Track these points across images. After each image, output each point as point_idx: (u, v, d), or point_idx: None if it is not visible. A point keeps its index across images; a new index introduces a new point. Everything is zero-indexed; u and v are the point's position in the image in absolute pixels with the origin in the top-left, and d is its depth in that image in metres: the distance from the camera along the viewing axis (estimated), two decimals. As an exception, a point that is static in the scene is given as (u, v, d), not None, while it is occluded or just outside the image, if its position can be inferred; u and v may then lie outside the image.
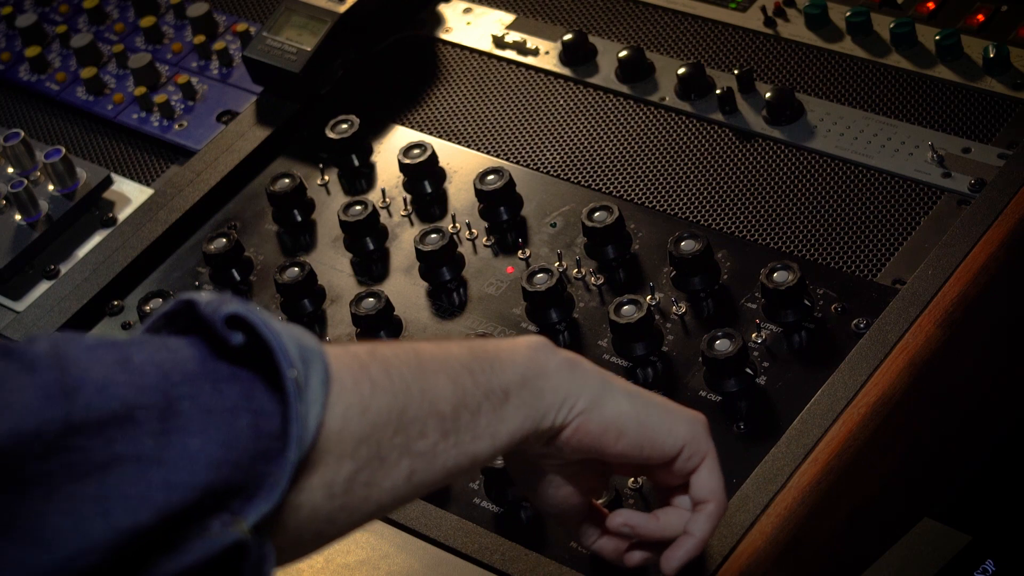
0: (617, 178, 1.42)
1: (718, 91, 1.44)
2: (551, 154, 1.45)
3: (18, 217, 1.52)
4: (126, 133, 1.62)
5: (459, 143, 1.49)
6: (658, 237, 1.34)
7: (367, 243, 1.41)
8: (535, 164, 1.45)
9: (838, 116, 1.41)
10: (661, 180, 1.40)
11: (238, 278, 1.42)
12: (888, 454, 1.20)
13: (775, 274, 1.25)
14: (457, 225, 1.41)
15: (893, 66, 1.44)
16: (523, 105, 1.51)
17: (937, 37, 1.42)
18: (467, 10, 1.62)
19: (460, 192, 1.44)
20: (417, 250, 1.36)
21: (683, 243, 1.30)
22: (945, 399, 1.25)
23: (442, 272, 1.36)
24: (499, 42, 1.58)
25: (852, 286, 1.27)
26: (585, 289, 1.33)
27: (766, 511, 1.12)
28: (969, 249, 1.25)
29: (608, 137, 1.45)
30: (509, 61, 1.56)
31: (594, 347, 1.28)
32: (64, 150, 1.53)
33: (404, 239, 1.42)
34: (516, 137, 1.48)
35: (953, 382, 1.25)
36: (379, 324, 1.32)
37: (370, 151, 1.50)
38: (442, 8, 1.63)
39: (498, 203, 1.40)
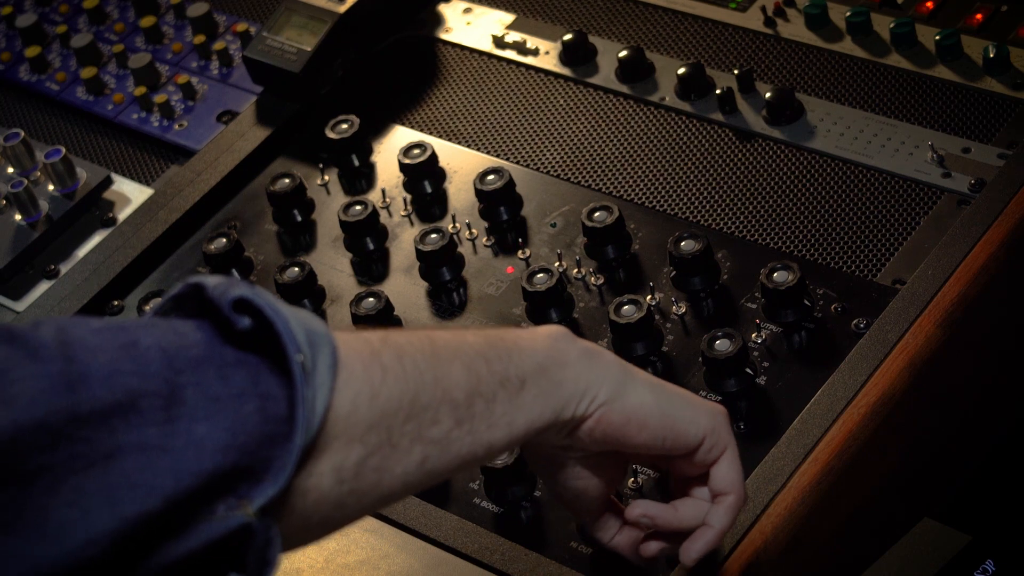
0: (617, 178, 1.42)
1: (718, 91, 1.44)
2: (551, 154, 1.45)
3: (18, 217, 1.52)
4: (126, 133, 1.62)
5: (459, 143, 1.49)
6: (658, 237, 1.34)
7: (367, 243, 1.41)
8: (535, 164, 1.45)
9: (838, 116, 1.41)
10: (661, 180, 1.40)
11: (238, 278, 1.42)
12: (888, 454, 1.20)
13: (775, 274, 1.25)
14: (457, 225, 1.41)
15: (893, 66, 1.44)
16: (523, 105, 1.51)
17: (937, 37, 1.42)
18: (467, 10, 1.62)
19: (460, 192, 1.44)
20: (417, 250, 1.36)
21: (683, 243, 1.30)
22: (945, 399, 1.25)
23: (442, 272, 1.36)
24: (499, 42, 1.58)
25: (852, 286, 1.27)
26: (585, 289, 1.33)
27: (766, 511, 1.12)
28: (969, 249, 1.25)
29: (608, 137, 1.46)
30: (509, 61, 1.56)
31: (594, 347, 1.28)
32: (64, 150, 1.53)
33: (404, 239, 1.42)
34: (516, 137, 1.48)
35: (953, 382, 1.25)
36: (379, 324, 1.32)
37: (370, 151, 1.50)
38: (442, 8, 1.63)
39: (498, 203, 1.40)
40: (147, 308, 1.40)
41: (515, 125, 1.49)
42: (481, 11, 1.61)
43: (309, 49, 1.54)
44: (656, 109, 1.47)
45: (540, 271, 1.31)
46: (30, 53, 1.70)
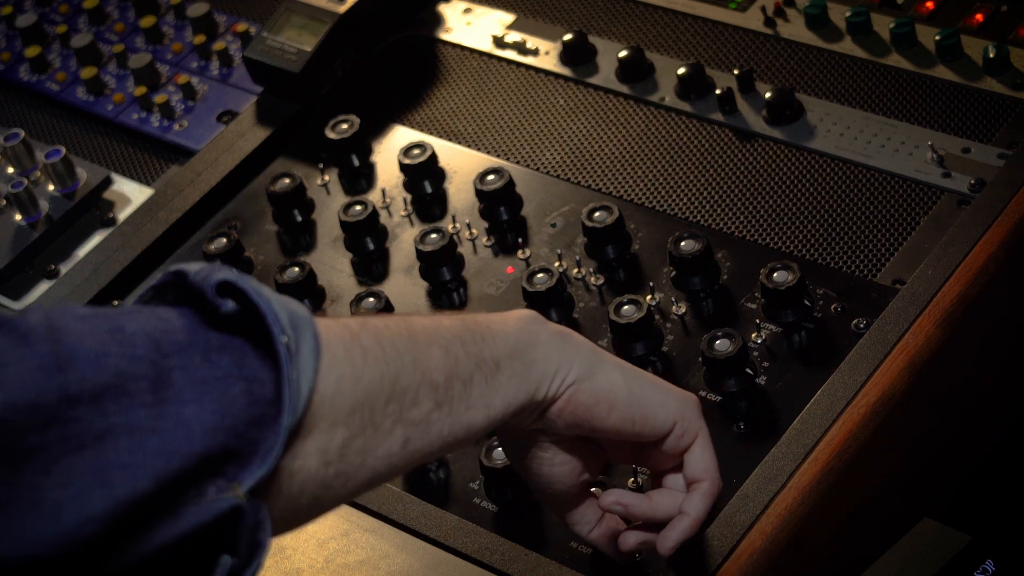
0: (617, 178, 1.42)
1: (718, 91, 1.44)
2: (551, 154, 1.45)
3: (18, 217, 1.52)
4: (126, 133, 1.62)
5: (459, 143, 1.49)
6: (658, 237, 1.34)
7: (367, 243, 1.41)
8: (535, 164, 1.45)
9: (838, 116, 1.41)
10: (661, 180, 1.40)
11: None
12: (888, 454, 1.20)
13: (775, 274, 1.25)
14: (457, 225, 1.41)
15: (893, 66, 1.44)
16: (523, 105, 1.51)
17: (937, 37, 1.42)
18: (467, 10, 1.62)
19: (460, 192, 1.44)
20: (417, 250, 1.36)
21: (683, 243, 1.30)
22: (945, 399, 1.25)
23: (442, 272, 1.36)
24: (499, 42, 1.58)
25: (852, 286, 1.27)
26: (585, 289, 1.33)
27: (766, 511, 1.12)
28: (969, 249, 1.25)
29: (608, 137, 1.45)
30: (509, 61, 1.56)
31: (594, 347, 1.28)
32: (64, 150, 1.53)
33: (404, 239, 1.42)
34: (516, 137, 1.48)
35: (953, 382, 1.25)
36: (379, 324, 1.32)
37: (370, 151, 1.50)
38: (442, 8, 1.63)
39: (498, 203, 1.40)
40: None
41: (515, 125, 1.49)
42: (481, 11, 1.61)
43: (309, 49, 1.54)
44: (656, 109, 1.47)
45: (540, 271, 1.31)
46: (30, 53, 1.70)
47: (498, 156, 1.47)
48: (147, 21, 1.70)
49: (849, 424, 1.16)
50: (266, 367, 0.86)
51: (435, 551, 1.18)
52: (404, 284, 1.38)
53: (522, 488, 1.19)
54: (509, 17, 1.60)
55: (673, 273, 1.31)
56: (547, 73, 1.53)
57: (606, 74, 1.51)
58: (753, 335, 1.25)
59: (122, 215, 1.52)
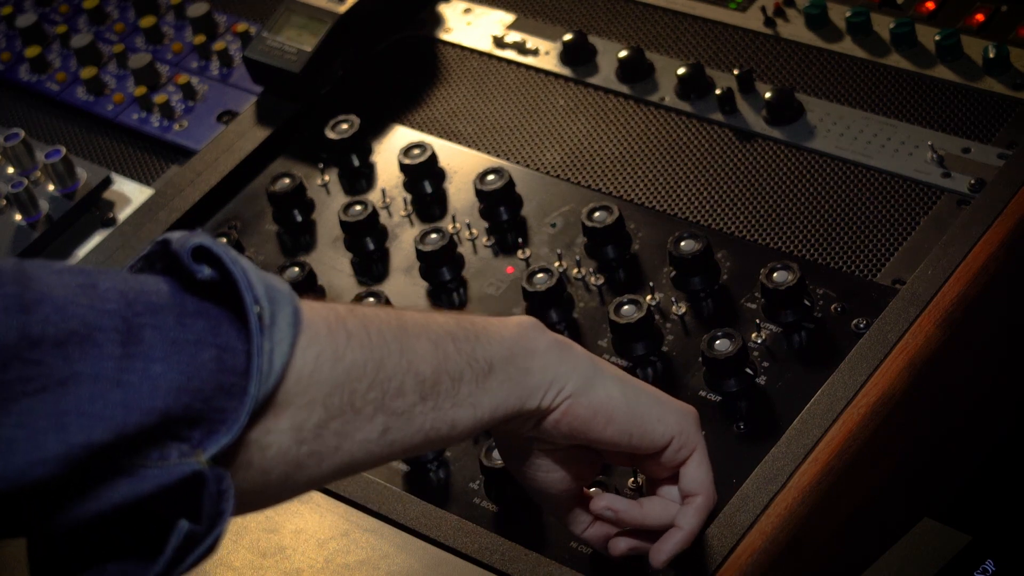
0: (617, 178, 1.42)
1: (718, 91, 1.44)
2: (551, 154, 1.45)
3: (18, 217, 1.52)
4: (126, 133, 1.62)
5: (459, 143, 1.49)
6: (658, 237, 1.34)
7: (367, 243, 1.41)
8: (535, 164, 1.45)
9: (838, 116, 1.41)
10: (661, 180, 1.40)
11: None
12: (888, 454, 1.20)
13: (775, 274, 1.25)
14: (457, 225, 1.41)
15: (893, 66, 1.44)
16: (523, 105, 1.51)
17: (937, 37, 1.42)
18: (467, 10, 1.62)
19: (460, 192, 1.44)
20: (417, 250, 1.36)
21: (683, 243, 1.30)
22: (945, 399, 1.25)
23: (442, 272, 1.36)
24: (499, 42, 1.58)
25: (852, 286, 1.27)
26: (585, 289, 1.33)
27: (766, 511, 1.12)
28: (969, 249, 1.25)
29: (608, 137, 1.46)
30: (509, 61, 1.56)
31: (594, 347, 1.28)
32: (64, 150, 1.54)
33: (404, 239, 1.42)
34: (516, 137, 1.48)
35: (953, 382, 1.25)
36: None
37: (370, 151, 1.50)
38: (442, 8, 1.63)
39: (498, 203, 1.40)
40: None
41: (515, 125, 1.49)
42: (481, 11, 1.61)
43: (309, 49, 1.54)
44: (656, 109, 1.47)
45: (540, 271, 1.31)
46: (30, 53, 1.70)
47: (498, 156, 1.47)
48: (147, 21, 1.70)
49: (849, 424, 1.16)
50: (241, 338, 0.85)
51: (435, 551, 1.18)
52: (404, 284, 1.38)
53: (522, 488, 1.19)
54: (509, 17, 1.60)
55: (673, 273, 1.31)
56: (547, 73, 1.53)
57: (606, 74, 1.51)
58: (753, 335, 1.25)
59: (122, 215, 1.52)
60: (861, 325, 1.23)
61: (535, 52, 1.56)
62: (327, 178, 1.49)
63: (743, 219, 1.35)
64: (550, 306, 1.30)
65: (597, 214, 1.34)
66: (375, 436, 0.92)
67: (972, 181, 1.32)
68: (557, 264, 1.35)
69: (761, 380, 1.23)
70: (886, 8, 1.48)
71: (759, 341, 1.25)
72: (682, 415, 1.04)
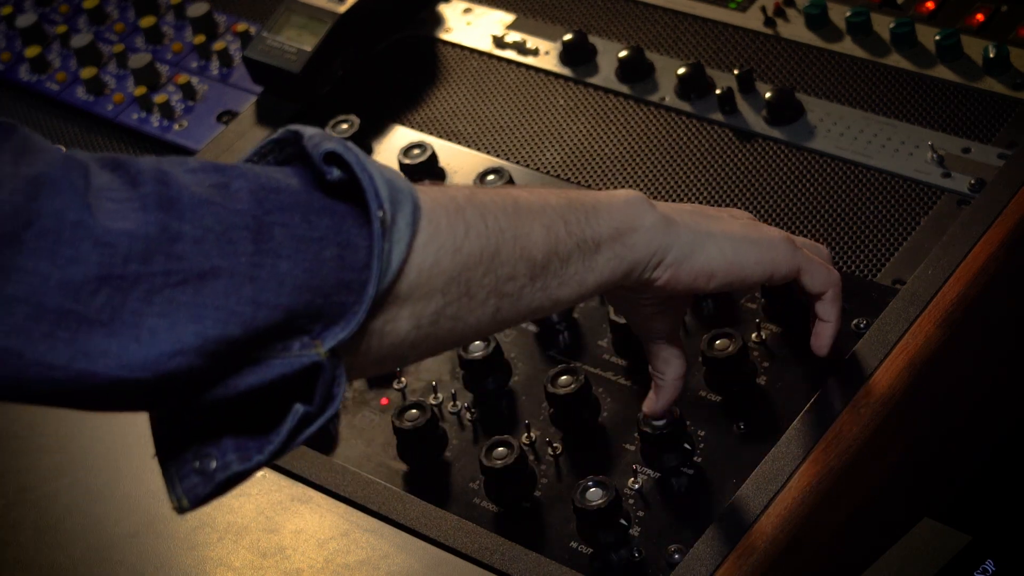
0: (617, 178, 1.42)
1: (718, 91, 1.44)
2: (551, 154, 1.45)
3: (18, 217, 1.52)
4: (126, 133, 1.62)
5: (459, 143, 1.49)
6: (658, 237, 1.34)
7: (367, 243, 1.41)
8: (535, 164, 1.45)
9: (838, 116, 1.41)
10: (661, 180, 1.40)
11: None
12: (888, 454, 1.20)
13: (775, 274, 1.25)
14: (457, 225, 1.41)
15: (893, 66, 1.44)
16: (523, 105, 1.51)
17: (937, 37, 1.42)
18: (467, 10, 1.62)
19: (460, 192, 1.44)
20: (417, 250, 1.36)
21: (683, 243, 1.29)
22: (945, 399, 1.25)
23: (442, 272, 1.36)
24: (499, 42, 1.58)
25: (852, 286, 1.27)
26: (585, 289, 1.33)
27: (766, 511, 1.12)
28: (969, 249, 1.25)
29: (608, 137, 1.46)
30: (509, 61, 1.56)
31: (594, 347, 1.28)
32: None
33: (404, 239, 1.42)
34: (516, 137, 1.48)
35: (953, 382, 1.25)
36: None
37: (370, 151, 1.50)
38: (442, 8, 1.63)
39: (498, 203, 1.40)
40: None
41: (515, 125, 1.49)
42: (481, 11, 1.61)
43: (309, 49, 1.54)
44: (656, 109, 1.47)
45: (540, 271, 1.30)
46: (30, 53, 1.70)
47: (498, 156, 1.47)
48: (147, 21, 1.70)
49: (849, 424, 1.16)
50: (363, 235, 0.90)
51: (435, 551, 1.18)
52: (404, 284, 1.38)
53: (522, 489, 1.19)
54: (509, 17, 1.60)
55: (673, 273, 1.31)
56: (547, 73, 1.53)
57: (606, 74, 1.51)
58: (753, 335, 1.25)
59: (122, 215, 1.52)
60: (861, 325, 1.23)
61: (535, 52, 1.56)
62: (327, 178, 1.49)
63: (743, 219, 1.35)
64: (550, 306, 1.30)
65: (597, 214, 1.34)
66: (487, 318, 0.97)
67: (972, 181, 1.32)
68: (557, 264, 1.35)
69: (761, 380, 1.22)
70: (886, 8, 1.48)
71: (759, 341, 1.25)
72: (774, 249, 1.10)
